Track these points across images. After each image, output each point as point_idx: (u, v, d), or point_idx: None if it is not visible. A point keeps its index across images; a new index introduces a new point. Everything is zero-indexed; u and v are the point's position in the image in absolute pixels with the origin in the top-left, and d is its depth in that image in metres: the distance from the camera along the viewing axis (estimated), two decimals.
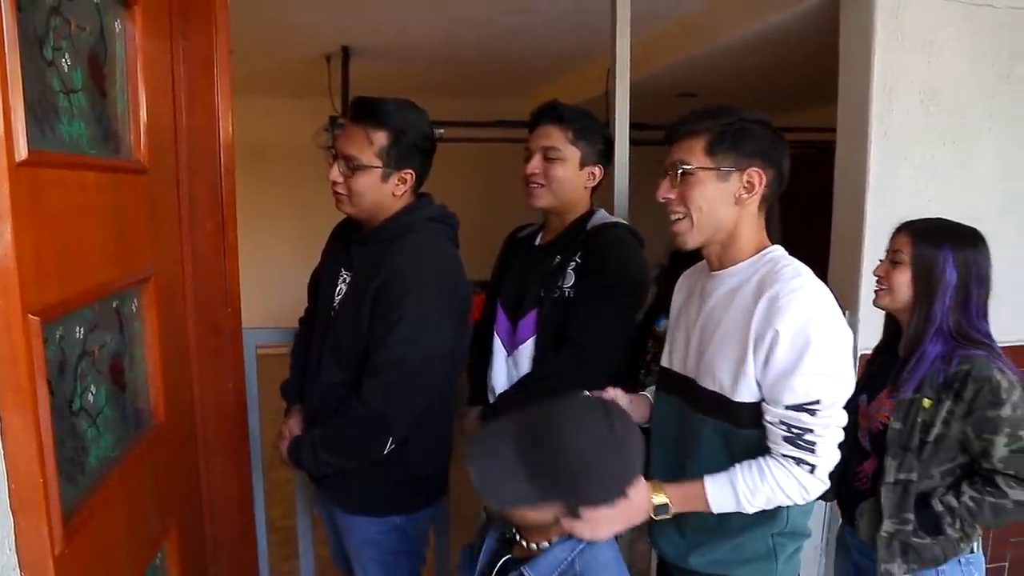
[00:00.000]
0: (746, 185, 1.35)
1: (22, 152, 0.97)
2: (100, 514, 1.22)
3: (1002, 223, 2.49)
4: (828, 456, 1.32)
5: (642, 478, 1.30)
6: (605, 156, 1.99)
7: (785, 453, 1.30)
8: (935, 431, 1.60)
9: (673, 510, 1.33)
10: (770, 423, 1.31)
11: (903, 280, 1.68)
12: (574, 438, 1.16)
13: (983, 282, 1.66)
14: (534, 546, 1.28)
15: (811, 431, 1.28)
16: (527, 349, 1.95)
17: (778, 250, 1.39)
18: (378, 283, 1.68)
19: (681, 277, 1.62)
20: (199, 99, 1.80)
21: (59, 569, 1.04)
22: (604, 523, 1.25)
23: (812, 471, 1.31)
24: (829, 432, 1.30)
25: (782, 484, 1.31)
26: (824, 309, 1.28)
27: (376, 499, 1.81)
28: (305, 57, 4.91)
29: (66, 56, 1.15)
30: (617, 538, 1.32)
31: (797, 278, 1.30)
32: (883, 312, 1.79)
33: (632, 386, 2.21)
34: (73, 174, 1.18)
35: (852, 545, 1.81)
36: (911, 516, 1.62)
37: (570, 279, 1.90)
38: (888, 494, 1.64)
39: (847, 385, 1.31)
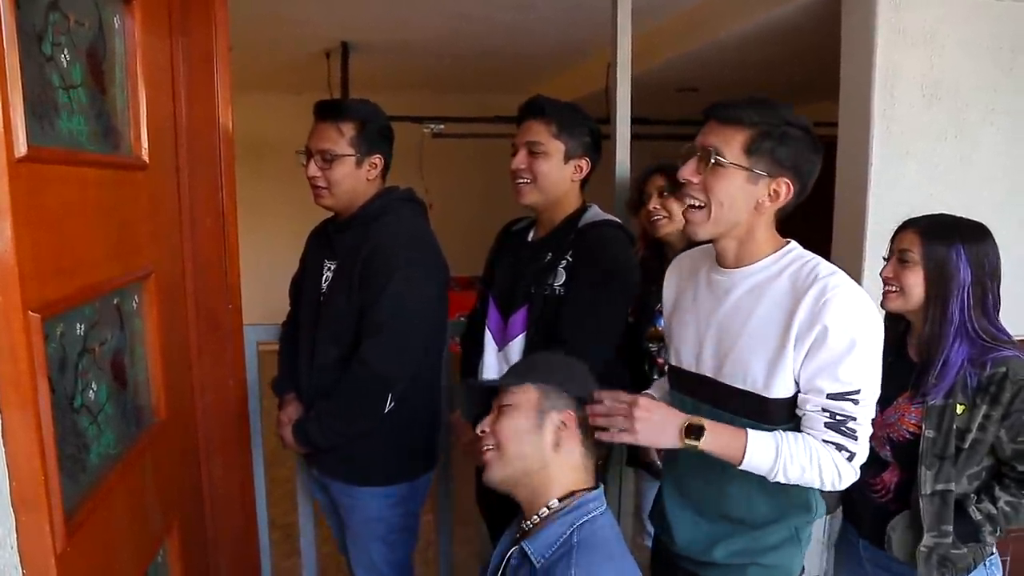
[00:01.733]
0: (772, 194, 1.32)
1: (21, 148, 0.97)
2: (102, 512, 1.21)
3: (1004, 217, 2.48)
4: (864, 447, 1.33)
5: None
6: (592, 148, 1.97)
7: (827, 439, 1.30)
8: (971, 437, 1.55)
9: (704, 440, 1.29)
10: (811, 412, 1.31)
11: (915, 280, 1.60)
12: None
13: (996, 277, 1.60)
14: (535, 519, 1.31)
15: (854, 419, 1.29)
16: (517, 345, 1.95)
17: (797, 246, 1.40)
18: (364, 256, 1.82)
19: (669, 268, 1.59)
20: (199, 95, 1.80)
21: (61, 567, 1.04)
22: (637, 421, 1.27)
23: (850, 459, 1.31)
24: (867, 423, 1.32)
25: (822, 463, 1.30)
26: (866, 304, 1.30)
27: (382, 468, 1.92)
28: (304, 53, 4.90)
29: (65, 52, 1.15)
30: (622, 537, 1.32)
31: (835, 275, 1.31)
32: (883, 312, 1.70)
33: (635, 385, 2.22)
34: (73, 170, 1.17)
35: (867, 559, 1.74)
36: (951, 529, 1.56)
37: (561, 277, 1.90)
38: (927, 507, 1.57)
39: (879, 378, 1.33)
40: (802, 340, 1.29)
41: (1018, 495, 1.56)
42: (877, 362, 1.31)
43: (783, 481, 1.31)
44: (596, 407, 1.31)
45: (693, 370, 1.46)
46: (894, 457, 1.65)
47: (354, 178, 1.89)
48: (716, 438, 1.29)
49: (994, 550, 1.67)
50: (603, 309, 1.87)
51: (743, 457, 1.29)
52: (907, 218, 1.68)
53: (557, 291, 1.89)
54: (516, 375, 1.40)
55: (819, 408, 1.30)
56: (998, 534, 1.58)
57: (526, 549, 1.28)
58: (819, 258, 1.37)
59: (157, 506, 1.53)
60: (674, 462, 1.54)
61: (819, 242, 1.77)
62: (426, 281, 1.87)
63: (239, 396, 1.97)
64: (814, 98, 5.38)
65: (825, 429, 1.30)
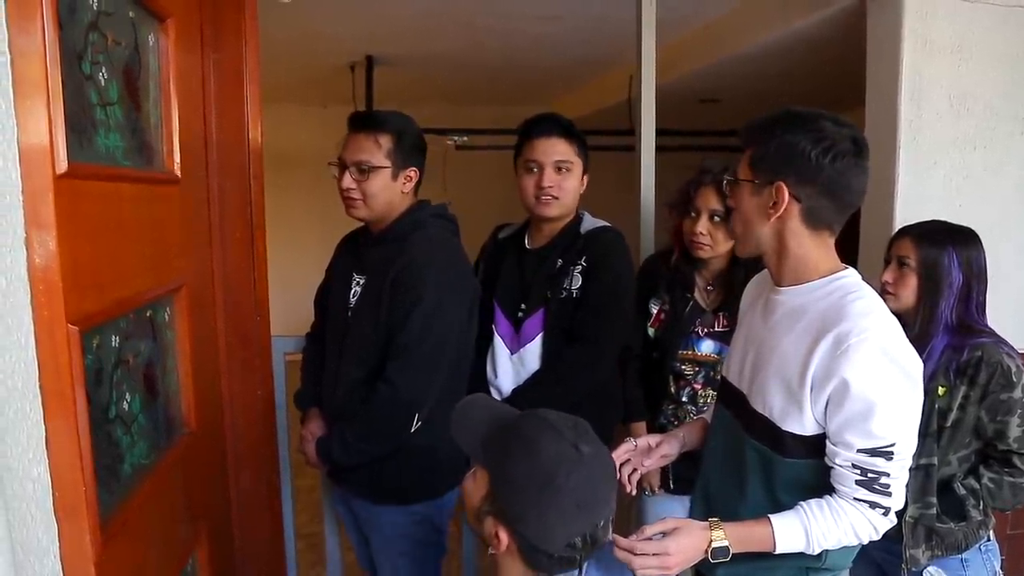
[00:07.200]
0: (774, 199, 1.28)
1: (63, 165, 0.99)
2: (134, 521, 1.23)
3: None
4: (900, 497, 1.27)
5: (691, 520, 1.29)
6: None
7: (859, 497, 1.25)
8: (952, 416, 1.68)
9: (732, 551, 1.27)
10: (840, 466, 1.25)
11: (911, 284, 1.74)
12: (532, 427, 1.14)
13: (983, 279, 1.74)
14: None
15: (887, 474, 1.23)
16: (534, 347, 2.02)
17: (850, 276, 1.31)
18: (394, 273, 1.79)
19: (750, 282, 1.57)
20: (229, 110, 1.83)
21: None
22: (648, 559, 1.22)
23: (885, 513, 1.27)
24: (903, 474, 1.26)
25: (857, 528, 1.26)
26: (897, 352, 1.21)
27: (405, 487, 1.88)
28: (330, 66, 4.96)
29: (103, 70, 1.17)
30: None
31: (867, 316, 1.22)
32: None
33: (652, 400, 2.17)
34: (110, 186, 1.20)
35: (871, 545, 1.79)
36: (934, 500, 1.68)
37: (577, 281, 2.00)
38: (911, 480, 1.60)
39: (917, 424, 1.26)
40: (820, 388, 1.23)
41: (1000, 472, 1.69)
42: (912, 412, 1.24)
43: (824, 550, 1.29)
44: (621, 552, 1.22)
45: (735, 384, 1.44)
46: None
47: (390, 190, 1.85)
48: (742, 547, 1.28)
49: (991, 536, 1.76)
50: (617, 308, 2.00)
51: (775, 551, 1.27)
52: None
53: (574, 294, 2.00)
54: (483, 450, 1.19)
55: (849, 464, 1.23)
56: (981, 507, 1.69)
57: None
58: (865, 292, 1.28)
59: (187, 516, 1.55)
60: (704, 475, 1.53)
61: (846, 253, 1.77)
62: (456, 303, 1.84)
63: (267, 406, 1.98)
64: (839, 108, 5.34)
65: (856, 487, 1.24)
